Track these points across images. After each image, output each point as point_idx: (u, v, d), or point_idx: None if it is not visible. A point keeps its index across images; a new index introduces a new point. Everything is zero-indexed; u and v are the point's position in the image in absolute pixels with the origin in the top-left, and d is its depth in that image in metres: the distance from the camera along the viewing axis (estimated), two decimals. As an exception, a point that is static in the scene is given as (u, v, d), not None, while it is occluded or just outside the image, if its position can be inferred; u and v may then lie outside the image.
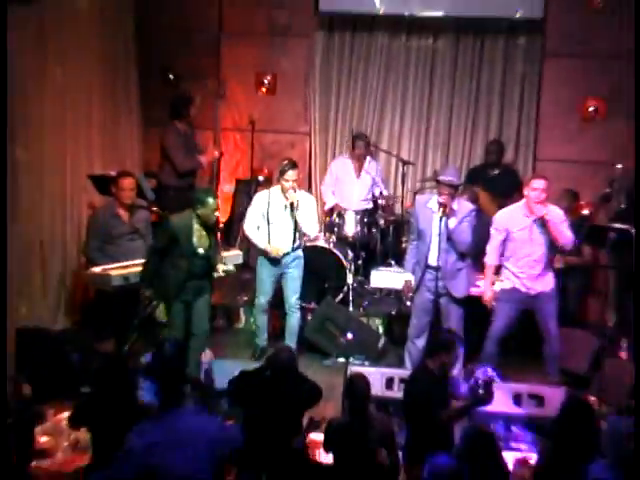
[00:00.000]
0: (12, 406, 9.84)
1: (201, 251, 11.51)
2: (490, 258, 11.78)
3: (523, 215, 11.56)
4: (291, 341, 12.45)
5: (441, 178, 11.98)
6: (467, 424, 9.29)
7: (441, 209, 11.53)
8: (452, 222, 11.51)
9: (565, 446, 8.61)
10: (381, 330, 13.13)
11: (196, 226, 11.46)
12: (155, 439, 7.94)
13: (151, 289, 11.77)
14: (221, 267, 11.99)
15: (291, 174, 12.27)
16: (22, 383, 10.71)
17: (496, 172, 14.25)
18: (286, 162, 12.52)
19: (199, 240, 11.49)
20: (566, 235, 11.50)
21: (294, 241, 12.40)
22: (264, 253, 12.47)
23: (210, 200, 11.52)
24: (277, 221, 12.40)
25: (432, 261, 11.72)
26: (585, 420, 8.81)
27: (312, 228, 12.51)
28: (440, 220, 11.56)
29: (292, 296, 12.48)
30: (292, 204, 12.17)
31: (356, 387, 8.98)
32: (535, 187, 11.54)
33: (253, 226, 12.53)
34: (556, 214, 11.56)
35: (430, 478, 7.55)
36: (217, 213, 11.76)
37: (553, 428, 9.04)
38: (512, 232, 11.62)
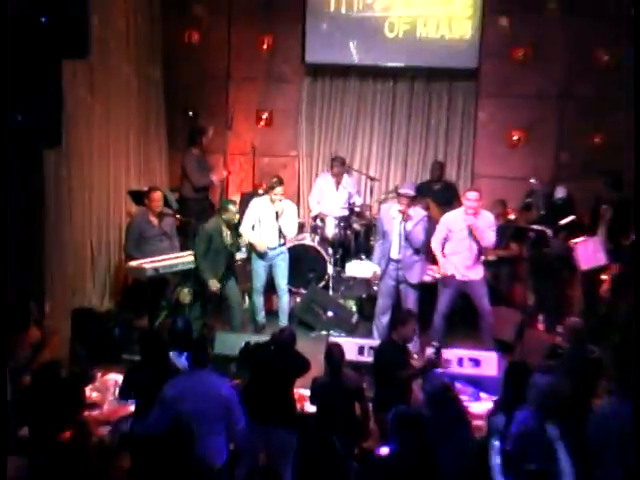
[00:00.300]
0: (69, 368, 10.02)
1: (228, 245, 12.03)
2: (434, 245, 12.05)
3: (462, 219, 11.85)
4: (283, 318, 12.65)
5: (400, 191, 12.33)
6: (426, 381, 9.40)
7: (400, 215, 11.87)
8: (409, 225, 11.80)
9: (508, 397, 9.00)
10: (354, 309, 13.26)
11: (223, 227, 11.94)
12: (181, 392, 8.30)
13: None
14: (238, 255, 12.61)
15: (278, 190, 12.47)
16: (78, 351, 10.96)
17: (438, 186, 14.41)
18: (275, 180, 12.69)
19: (225, 238, 11.97)
20: (489, 239, 11.86)
21: (279, 239, 12.56)
22: (255, 247, 12.65)
23: (232, 208, 12.09)
24: (266, 224, 12.56)
25: (394, 255, 11.97)
26: (524, 377, 9.26)
27: (291, 231, 12.68)
28: (400, 224, 11.86)
29: (282, 281, 12.65)
30: (277, 212, 12.38)
31: (333, 353, 9.29)
32: (469, 198, 11.90)
33: (248, 226, 12.65)
34: (487, 219, 11.93)
35: (393, 422, 7.77)
36: (237, 217, 12.19)
37: (501, 383, 9.40)
38: (452, 231, 11.93)
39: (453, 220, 12.08)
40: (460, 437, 8.32)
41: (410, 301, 11.95)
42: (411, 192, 12.31)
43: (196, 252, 12.16)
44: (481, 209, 11.97)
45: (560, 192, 13.66)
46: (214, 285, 11.96)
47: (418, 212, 12.11)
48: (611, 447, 8.02)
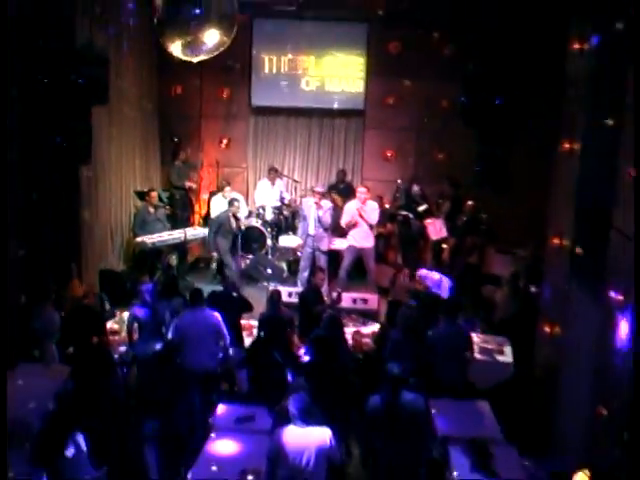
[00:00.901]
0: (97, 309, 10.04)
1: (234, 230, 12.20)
2: (343, 222, 12.11)
3: (356, 207, 12.03)
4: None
5: (315, 189, 12.50)
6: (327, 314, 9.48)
7: (315, 205, 12.06)
8: (320, 212, 11.97)
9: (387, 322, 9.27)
10: (285, 268, 13.17)
11: (230, 216, 12.08)
12: (187, 321, 8.54)
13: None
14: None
15: (228, 189, 12.91)
16: (103, 298, 10.89)
17: (341, 186, 14.38)
18: (224, 182, 13.15)
19: (232, 224, 12.09)
20: (373, 219, 12.03)
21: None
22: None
23: (236, 203, 12.25)
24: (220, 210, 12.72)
25: (310, 232, 12.05)
26: (396, 310, 9.44)
27: (242, 215, 12.74)
28: (314, 211, 11.99)
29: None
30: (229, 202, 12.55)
31: (273, 296, 9.40)
32: (360, 191, 12.14)
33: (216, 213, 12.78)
34: (372, 205, 12.12)
35: (312, 341, 8.15)
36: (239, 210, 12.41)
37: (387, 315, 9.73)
38: (353, 214, 12.03)
39: (352, 207, 12.14)
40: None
41: (322, 262, 12.01)
42: (322, 190, 12.53)
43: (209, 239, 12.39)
44: (368, 199, 12.11)
45: (415, 188, 13.77)
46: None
47: (326, 203, 12.24)
48: (440, 353, 8.33)
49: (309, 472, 6.21)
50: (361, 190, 12.22)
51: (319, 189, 12.54)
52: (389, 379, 6.81)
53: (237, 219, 12.35)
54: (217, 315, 8.72)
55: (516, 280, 10.76)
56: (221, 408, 7.88)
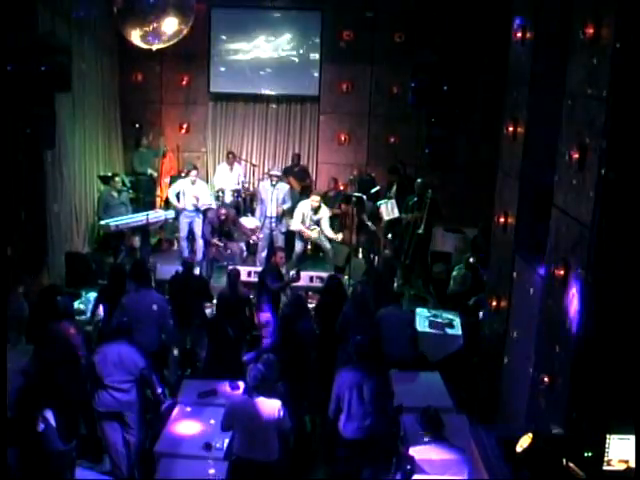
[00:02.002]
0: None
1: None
2: (294, 226, 12.17)
3: (309, 210, 11.99)
4: (199, 253, 12.52)
5: (271, 172, 12.53)
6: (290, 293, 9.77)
7: (272, 187, 12.06)
8: (275, 193, 12.05)
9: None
10: (245, 248, 12.87)
11: None
12: (133, 301, 8.43)
13: None
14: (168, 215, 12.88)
15: (194, 173, 12.69)
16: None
17: (296, 169, 14.31)
18: (191, 167, 12.98)
19: None
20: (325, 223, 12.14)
21: (197, 204, 12.55)
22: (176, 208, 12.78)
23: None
24: (186, 194, 12.58)
25: (269, 213, 12.13)
26: (339, 286, 9.52)
27: (204, 199, 12.67)
28: (272, 193, 12.08)
29: (197, 231, 12.56)
30: (195, 187, 12.56)
31: (231, 275, 9.33)
32: (314, 199, 12.08)
33: (174, 195, 12.75)
34: (324, 211, 12.15)
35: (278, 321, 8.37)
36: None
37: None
38: (304, 215, 12.03)
39: (304, 210, 12.09)
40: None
41: (279, 241, 12.10)
42: (278, 173, 12.54)
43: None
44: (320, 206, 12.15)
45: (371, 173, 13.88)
46: None
47: (283, 185, 12.28)
48: (389, 328, 8.46)
49: (260, 441, 6.42)
50: (315, 199, 12.16)
51: (275, 172, 12.55)
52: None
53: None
54: (161, 297, 8.71)
55: (465, 257, 10.92)
56: (185, 383, 7.94)
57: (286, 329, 8.22)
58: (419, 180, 12.19)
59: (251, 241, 12.72)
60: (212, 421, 7.06)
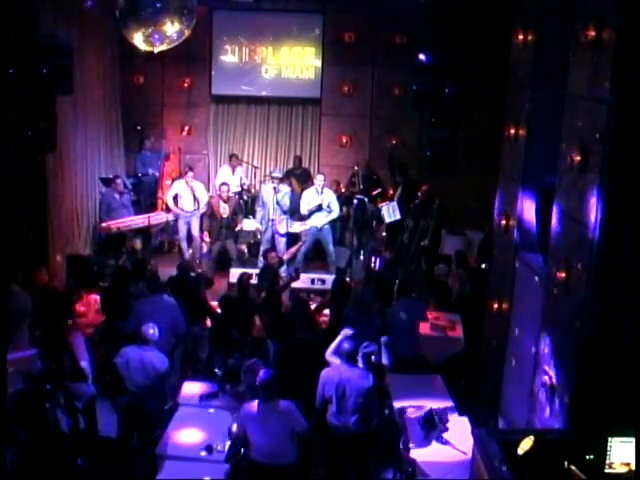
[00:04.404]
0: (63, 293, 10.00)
1: None
2: (303, 211, 12.22)
3: (315, 194, 12.08)
4: (197, 254, 12.70)
5: (273, 175, 12.52)
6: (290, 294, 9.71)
7: (273, 190, 12.05)
8: (279, 196, 12.05)
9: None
10: (246, 250, 13.00)
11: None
12: (146, 308, 8.40)
13: None
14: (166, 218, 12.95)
15: (190, 174, 12.76)
16: (70, 280, 10.88)
17: (298, 171, 14.29)
18: (187, 168, 13.06)
19: None
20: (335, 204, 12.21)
21: (193, 205, 12.63)
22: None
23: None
24: (184, 195, 12.65)
25: (270, 216, 12.16)
26: (346, 289, 9.50)
27: (202, 200, 12.68)
28: (274, 196, 12.08)
29: (195, 232, 12.64)
30: (191, 188, 12.60)
31: (242, 279, 9.44)
32: (318, 179, 12.16)
33: (171, 197, 12.80)
34: (330, 193, 12.26)
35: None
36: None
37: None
38: (310, 201, 12.12)
39: (309, 195, 12.19)
40: None
41: (281, 244, 12.08)
42: (280, 175, 12.56)
43: None
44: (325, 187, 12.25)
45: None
46: None
47: (284, 188, 12.27)
48: (397, 326, 8.45)
49: (276, 444, 6.34)
50: (319, 177, 12.24)
51: (277, 175, 12.55)
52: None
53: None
54: (172, 301, 8.65)
55: (463, 259, 10.88)
56: (186, 385, 7.92)
57: (287, 337, 8.16)
58: (425, 187, 12.16)
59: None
60: (214, 424, 7.03)
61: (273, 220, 12.17)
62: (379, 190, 13.42)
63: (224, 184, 12.64)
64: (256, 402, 6.46)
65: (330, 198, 12.35)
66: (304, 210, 12.27)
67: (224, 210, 12.24)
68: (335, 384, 7.04)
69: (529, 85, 7.39)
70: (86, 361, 7.84)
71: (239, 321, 8.79)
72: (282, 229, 12.26)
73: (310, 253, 12.48)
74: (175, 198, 12.89)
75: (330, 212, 12.35)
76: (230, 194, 12.65)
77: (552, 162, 6.40)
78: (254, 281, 10.85)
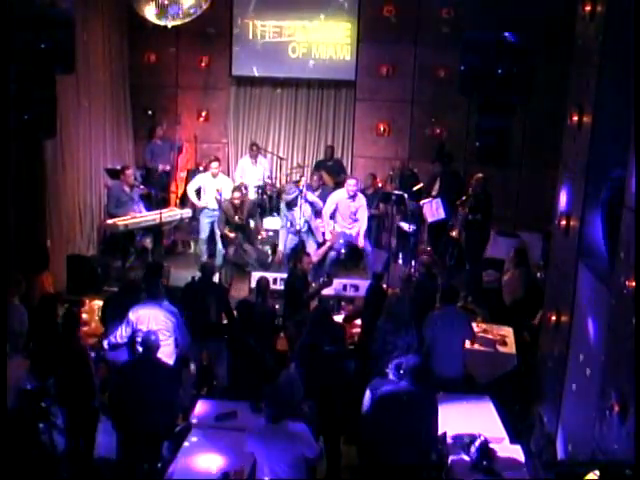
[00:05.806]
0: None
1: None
2: (325, 212, 12.21)
3: (345, 198, 12.10)
4: (219, 257, 12.57)
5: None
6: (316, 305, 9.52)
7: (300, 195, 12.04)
8: (308, 196, 12.06)
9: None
10: (270, 252, 12.99)
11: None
12: (141, 313, 8.36)
13: None
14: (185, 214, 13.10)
15: (214, 165, 12.73)
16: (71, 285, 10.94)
17: (330, 163, 14.36)
18: (212, 159, 12.96)
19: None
20: (364, 218, 12.33)
21: (217, 200, 12.54)
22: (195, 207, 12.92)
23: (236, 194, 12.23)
24: (207, 190, 12.66)
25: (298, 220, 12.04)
26: (381, 295, 9.45)
27: (225, 198, 12.52)
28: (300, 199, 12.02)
29: (219, 232, 12.53)
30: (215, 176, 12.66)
31: (261, 284, 9.36)
32: (349, 184, 12.15)
33: (193, 191, 12.83)
34: (361, 198, 12.32)
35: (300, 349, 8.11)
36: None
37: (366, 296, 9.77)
38: (339, 204, 12.13)
39: (338, 197, 12.27)
40: None
41: (310, 246, 12.04)
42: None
43: None
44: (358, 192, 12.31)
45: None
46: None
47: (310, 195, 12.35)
48: (437, 332, 8.40)
49: (284, 469, 6.27)
50: (350, 182, 12.21)
51: (290, 196, 12.25)
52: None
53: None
54: (171, 309, 8.61)
55: (523, 258, 10.75)
56: (201, 404, 7.91)
57: (310, 353, 8.06)
58: (479, 175, 12.04)
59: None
60: (231, 446, 6.95)
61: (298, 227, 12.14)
62: (421, 185, 13.32)
63: (237, 189, 12.51)
64: (264, 424, 6.41)
65: (361, 204, 12.35)
66: (328, 213, 12.30)
67: (237, 219, 12.14)
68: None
69: (596, 64, 7.26)
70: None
71: (257, 329, 8.73)
72: (317, 234, 12.24)
73: (343, 255, 12.50)
74: (198, 192, 12.90)
75: (355, 221, 12.35)
76: (245, 197, 12.62)
77: (621, 154, 6.27)
78: (278, 286, 10.95)
